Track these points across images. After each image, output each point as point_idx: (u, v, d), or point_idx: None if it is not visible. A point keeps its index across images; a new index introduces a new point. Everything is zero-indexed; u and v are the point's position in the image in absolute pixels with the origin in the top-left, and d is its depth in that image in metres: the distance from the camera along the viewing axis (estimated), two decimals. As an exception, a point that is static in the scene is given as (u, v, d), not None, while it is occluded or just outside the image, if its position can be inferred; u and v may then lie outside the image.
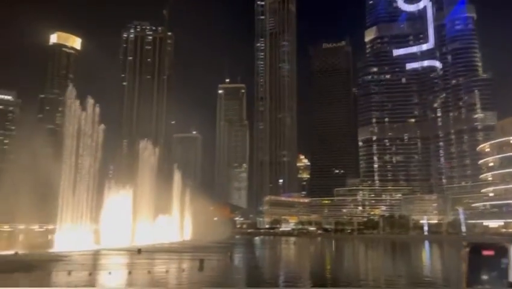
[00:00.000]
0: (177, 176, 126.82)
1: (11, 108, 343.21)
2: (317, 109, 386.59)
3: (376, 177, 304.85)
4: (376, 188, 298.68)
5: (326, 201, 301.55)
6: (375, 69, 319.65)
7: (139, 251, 53.99)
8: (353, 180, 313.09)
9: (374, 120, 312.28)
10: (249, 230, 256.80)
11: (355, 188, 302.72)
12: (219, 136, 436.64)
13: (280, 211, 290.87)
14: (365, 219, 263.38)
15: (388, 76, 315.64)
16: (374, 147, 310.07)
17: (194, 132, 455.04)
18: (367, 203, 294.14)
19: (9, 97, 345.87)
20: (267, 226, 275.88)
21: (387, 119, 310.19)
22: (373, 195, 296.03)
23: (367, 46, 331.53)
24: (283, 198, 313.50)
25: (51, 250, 62.89)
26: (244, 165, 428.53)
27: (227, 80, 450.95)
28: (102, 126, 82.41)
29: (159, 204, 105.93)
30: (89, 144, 78.99)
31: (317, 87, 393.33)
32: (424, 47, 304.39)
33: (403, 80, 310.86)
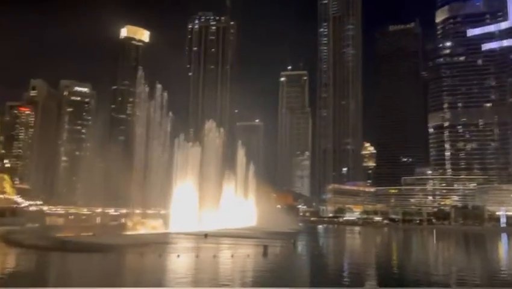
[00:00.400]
0: (241, 156, 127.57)
1: (87, 100, 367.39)
2: (383, 94, 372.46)
3: (447, 166, 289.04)
4: (448, 177, 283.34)
5: (393, 191, 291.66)
6: (447, 51, 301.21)
7: (206, 236, 55.60)
8: (422, 168, 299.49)
9: (446, 105, 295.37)
10: (312, 219, 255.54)
11: (424, 177, 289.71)
12: (281, 124, 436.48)
13: (345, 199, 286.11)
14: (435, 209, 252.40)
15: (461, 58, 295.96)
16: (446, 133, 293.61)
17: (256, 121, 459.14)
18: (437, 192, 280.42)
19: (85, 89, 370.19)
20: (330, 215, 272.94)
21: (460, 104, 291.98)
22: (444, 184, 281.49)
23: (438, 27, 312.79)
24: (347, 187, 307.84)
25: (125, 233, 66.69)
26: (307, 153, 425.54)
27: (289, 67, 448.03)
28: (170, 114, 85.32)
29: (224, 189, 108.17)
30: (158, 131, 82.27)
31: (383, 72, 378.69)
32: (503, 25, 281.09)
33: (479, 62, 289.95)
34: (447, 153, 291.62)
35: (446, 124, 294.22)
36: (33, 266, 29.06)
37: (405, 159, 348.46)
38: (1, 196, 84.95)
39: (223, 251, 36.47)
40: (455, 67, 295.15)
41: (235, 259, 31.87)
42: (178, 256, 33.38)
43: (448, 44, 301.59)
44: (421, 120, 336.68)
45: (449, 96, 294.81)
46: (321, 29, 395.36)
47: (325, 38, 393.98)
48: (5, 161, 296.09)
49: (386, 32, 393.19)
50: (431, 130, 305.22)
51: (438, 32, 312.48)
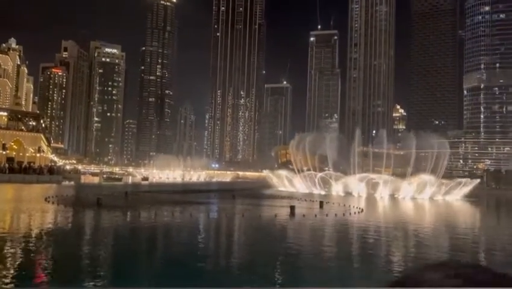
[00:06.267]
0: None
1: (117, 61, 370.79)
2: (416, 55, 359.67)
3: (481, 129, 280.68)
4: (481, 140, 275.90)
5: (424, 154, 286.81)
6: (487, 8, 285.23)
7: (234, 196, 56.99)
8: (455, 132, 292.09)
9: (483, 66, 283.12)
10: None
11: (456, 140, 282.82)
12: (310, 85, 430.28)
13: (373, 162, 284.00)
14: (466, 173, 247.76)
15: (502, 16, 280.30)
16: (482, 96, 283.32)
17: (284, 82, 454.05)
18: (469, 156, 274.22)
19: (115, 51, 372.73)
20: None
21: (498, 64, 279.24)
22: (476, 148, 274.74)
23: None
24: (376, 150, 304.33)
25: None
26: (336, 115, 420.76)
27: (319, 27, 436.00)
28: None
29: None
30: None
31: (417, 31, 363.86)
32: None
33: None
34: (482, 116, 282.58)
35: (482, 85, 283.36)
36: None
37: (437, 122, 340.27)
38: (38, 155, 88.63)
39: (251, 212, 37.23)
40: (494, 25, 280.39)
41: (263, 219, 32.52)
42: (209, 215, 34.35)
43: (487, 1, 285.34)
44: (455, 82, 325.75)
45: (486, 56, 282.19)
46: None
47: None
48: (41, 121, 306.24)
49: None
50: (466, 92, 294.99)
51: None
